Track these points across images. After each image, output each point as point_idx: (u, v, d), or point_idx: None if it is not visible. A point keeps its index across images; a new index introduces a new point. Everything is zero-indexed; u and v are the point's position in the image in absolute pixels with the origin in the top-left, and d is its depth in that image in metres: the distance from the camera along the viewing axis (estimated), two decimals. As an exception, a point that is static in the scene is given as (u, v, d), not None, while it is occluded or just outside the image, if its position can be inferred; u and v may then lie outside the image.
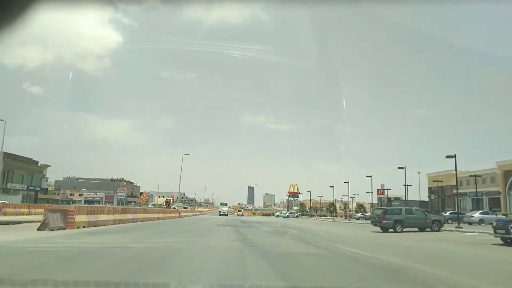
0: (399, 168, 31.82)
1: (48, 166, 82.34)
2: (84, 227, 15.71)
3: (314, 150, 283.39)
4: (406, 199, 37.71)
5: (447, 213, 37.43)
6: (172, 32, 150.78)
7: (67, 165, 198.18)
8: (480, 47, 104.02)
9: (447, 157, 25.71)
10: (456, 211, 38.28)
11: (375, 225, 22.63)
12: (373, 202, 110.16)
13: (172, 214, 37.38)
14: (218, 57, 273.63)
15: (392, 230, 21.65)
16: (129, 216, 22.44)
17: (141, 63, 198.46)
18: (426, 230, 22.71)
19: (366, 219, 56.05)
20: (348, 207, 66.69)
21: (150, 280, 5.07)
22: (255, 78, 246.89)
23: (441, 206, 70.61)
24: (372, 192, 49.79)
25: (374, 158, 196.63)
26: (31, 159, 75.78)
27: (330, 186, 56.96)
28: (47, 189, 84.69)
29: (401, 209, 22.91)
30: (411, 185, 57.08)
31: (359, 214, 64.07)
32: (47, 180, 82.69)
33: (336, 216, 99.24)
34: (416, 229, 22.42)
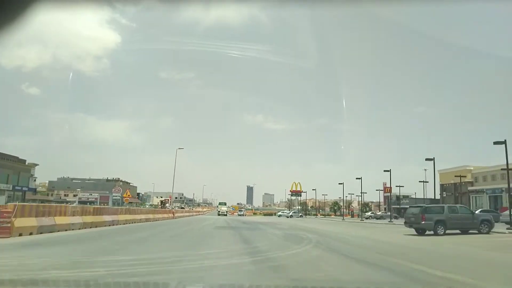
0: (427, 159, 27.53)
1: (37, 165, 77.88)
2: (31, 233, 11.40)
3: (314, 149, 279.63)
4: (436, 195, 33.42)
5: (477, 212, 33.12)
6: (170, 32, 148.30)
7: (65, 166, 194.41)
8: (480, 46, 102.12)
9: (495, 143, 21.43)
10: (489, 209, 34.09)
11: (411, 226, 18.35)
12: (375, 200, 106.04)
13: (165, 215, 33.07)
14: (217, 57, 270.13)
15: (432, 232, 17.45)
16: (106, 218, 18.12)
17: (139, 64, 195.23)
18: (470, 232, 18.57)
19: (377, 218, 51.88)
20: (361, 206, 62.36)
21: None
22: (254, 78, 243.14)
23: (454, 204, 66.36)
24: (390, 190, 45.45)
25: (375, 157, 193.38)
26: (17, 157, 71.31)
27: (339, 183, 52.82)
28: (35, 189, 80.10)
29: (442, 207, 18.64)
30: (427, 182, 52.94)
31: (369, 213, 59.83)
32: (35, 180, 78.17)
33: (342, 215, 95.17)
34: (458, 231, 18.30)
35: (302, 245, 11.68)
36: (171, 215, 35.84)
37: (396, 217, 53.96)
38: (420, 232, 18.33)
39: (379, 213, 56.97)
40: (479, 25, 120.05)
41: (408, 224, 18.54)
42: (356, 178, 46.59)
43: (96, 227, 16.48)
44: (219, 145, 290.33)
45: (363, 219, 45.27)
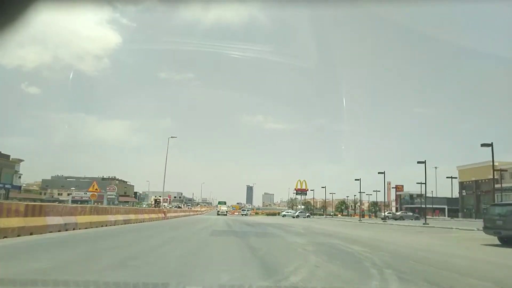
0: (482, 145, 21.75)
1: (22, 160, 72.28)
2: None
3: (314, 149, 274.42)
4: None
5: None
6: (170, 32, 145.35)
7: (65, 165, 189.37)
8: (480, 46, 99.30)
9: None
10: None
11: (498, 233, 12.65)
12: (379, 200, 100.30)
13: (153, 215, 27.39)
14: (217, 57, 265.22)
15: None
16: (53, 220, 12.41)
17: (139, 63, 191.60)
18: None
19: (395, 219, 46.21)
20: (384, 206, 56.56)
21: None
22: (254, 78, 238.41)
23: (476, 203, 60.59)
24: (422, 184, 39.53)
25: (376, 156, 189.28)
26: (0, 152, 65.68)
27: (356, 179, 47.06)
28: (20, 186, 74.37)
29: (542, 205, 12.92)
30: (456, 177, 47.24)
31: (386, 213, 54.13)
32: (20, 177, 72.44)
33: (350, 215, 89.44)
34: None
35: (372, 275, 6.08)
36: (161, 215, 30.22)
37: (417, 218, 48.42)
38: (506, 241, 12.73)
39: (399, 213, 51.26)
40: (479, 25, 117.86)
41: (492, 230, 12.76)
42: (379, 173, 40.63)
43: (30, 234, 10.83)
44: (219, 145, 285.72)
45: (385, 220, 39.57)
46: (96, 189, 18.64)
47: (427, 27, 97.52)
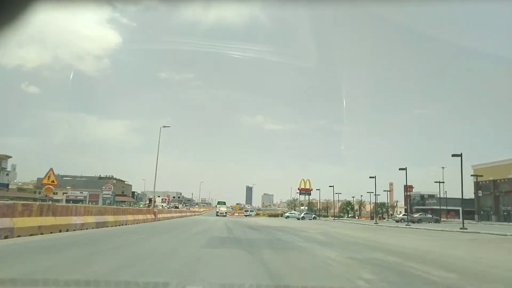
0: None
1: (9, 157, 68.14)
2: None
3: (313, 150, 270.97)
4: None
5: None
6: (170, 32, 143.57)
7: (64, 165, 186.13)
8: (480, 46, 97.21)
9: None
10: None
11: None
12: (381, 201, 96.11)
13: (140, 217, 23.14)
14: (217, 57, 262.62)
15: None
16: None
17: (139, 63, 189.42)
18: None
19: (413, 222, 41.90)
20: (408, 208, 52.19)
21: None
22: (254, 78, 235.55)
23: (494, 205, 56.28)
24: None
25: (377, 157, 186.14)
26: (-16, 147, 61.53)
27: (371, 177, 42.77)
28: (8, 184, 70.14)
29: None
30: (481, 175, 42.91)
31: (401, 215, 49.85)
32: (7, 174, 68.22)
33: (357, 217, 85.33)
34: None
35: None
36: (151, 216, 26.02)
37: (437, 220, 44.14)
38: None
39: (417, 215, 46.96)
40: (479, 25, 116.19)
41: None
42: (400, 169, 36.01)
43: None
44: (219, 145, 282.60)
45: (409, 223, 35.24)
46: (53, 181, 14.43)
47: (427, 27, 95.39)
